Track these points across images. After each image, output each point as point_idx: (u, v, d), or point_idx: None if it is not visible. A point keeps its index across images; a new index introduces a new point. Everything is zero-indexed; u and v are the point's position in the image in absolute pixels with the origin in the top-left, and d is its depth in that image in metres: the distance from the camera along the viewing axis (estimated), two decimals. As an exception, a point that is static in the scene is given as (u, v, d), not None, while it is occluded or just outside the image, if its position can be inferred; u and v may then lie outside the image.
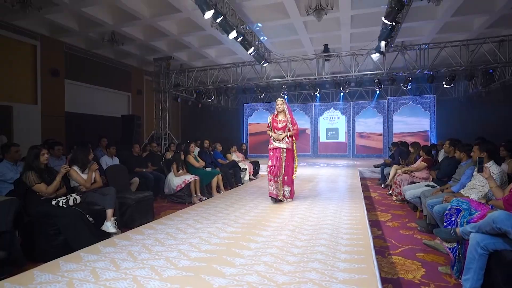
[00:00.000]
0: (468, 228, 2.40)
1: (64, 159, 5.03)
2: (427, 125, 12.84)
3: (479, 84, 10.64)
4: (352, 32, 8.97)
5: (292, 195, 4.94)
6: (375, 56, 8.65)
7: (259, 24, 8.29)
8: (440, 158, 6.12)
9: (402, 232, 3.95)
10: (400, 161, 6.99)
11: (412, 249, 3.35)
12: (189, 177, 5.62)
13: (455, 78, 9.63)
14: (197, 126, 14.45)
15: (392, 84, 10.63)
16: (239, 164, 7.78)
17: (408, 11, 6.41)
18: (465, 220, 2.59)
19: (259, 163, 9.01)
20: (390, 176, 6.43)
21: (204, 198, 5.60)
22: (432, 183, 4.63)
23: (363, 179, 8.57)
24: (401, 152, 7.38)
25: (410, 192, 4.58)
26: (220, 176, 6.26)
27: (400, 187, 5.50)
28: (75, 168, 3.80)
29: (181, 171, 5.75)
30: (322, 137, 14.48)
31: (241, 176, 7.61)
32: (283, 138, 4.73)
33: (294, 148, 4.83)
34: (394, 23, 6.23)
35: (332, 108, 14.40)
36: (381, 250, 3.30)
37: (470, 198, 3.16)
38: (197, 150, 7.13)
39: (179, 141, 10.69)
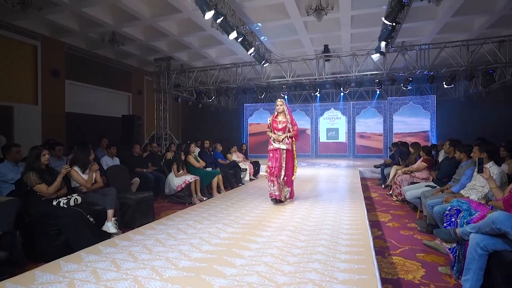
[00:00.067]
0: (468, 228, 2.41)
1: (64, 160, 5.04)
2: (428, 125, 12.84)
3: (479, 85, 10.64)
4: (352, 33, 8.98)
5: (292, 196, 4.95)
6: (375, 57, 8.65)
7: (259, 24, 8.30)
8: (440, 159, 6.12)
9: (402, 233, 3.95)
10: (400, 161, 6.99)
11: (412, 249, 3.36)
12: (189, 178, 5.63)
13: (455, 79, 9.64)
14: (198, 126, 14.46)
15: (393, 84, 10.63)
16: (240, 164, 7.78)
17: (408, 11, 6.41)
18: (465, 220, 2.59)
19: (259, 163, 9.01)
20: (390, 177, 6.44)
21: (204, 199, 5.61)
22: (432, 184, 4.63)
23: (363, 179, 8.57)
24: (401, 152, 7.37)
25: (410, 192, 4.58)
26: (220, 176, 6.26)
27: (400, 187, 5.50)
28: (76, 168, 3.81)
29: (181, 171, 5.76)
30: (322, 137, 14.48)
31: (242, 176, 7.61)
32: (283, 139, 4.71)
33: (294, 149, 4.81)
34: (394, 24, 6.23)
35: (332, 108, 14.40)
36: (381, 251, 3.31)
37: (470, 198, 3.16)
38: (197, 150, 7.13)
39: (179, 141, 10.70)
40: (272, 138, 4.80)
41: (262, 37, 9.18)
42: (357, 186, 6.43)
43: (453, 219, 2.76)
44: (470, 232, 2.36)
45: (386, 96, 13.75)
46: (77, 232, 3.11)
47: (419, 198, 4.31)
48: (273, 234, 3.31)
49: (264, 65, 9.55)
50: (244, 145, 10.03)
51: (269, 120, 4.92)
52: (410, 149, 6.58)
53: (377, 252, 2.97)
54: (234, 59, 11.04)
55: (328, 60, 9.93)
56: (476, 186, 3.35)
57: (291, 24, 8.29)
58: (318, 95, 13.16)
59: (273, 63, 10.06)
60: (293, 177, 4.84)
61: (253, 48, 8.13)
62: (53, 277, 2.29)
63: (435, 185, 4.48)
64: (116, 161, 5.80)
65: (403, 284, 2.60)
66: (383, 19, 6.29)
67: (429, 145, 7.72)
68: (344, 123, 14.13)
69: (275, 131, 4.80)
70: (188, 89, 11.68)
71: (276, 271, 2.38)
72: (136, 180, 5.43)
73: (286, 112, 4.83)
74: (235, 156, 8.36)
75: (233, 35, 6.87)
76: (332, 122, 14.37)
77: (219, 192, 6.14)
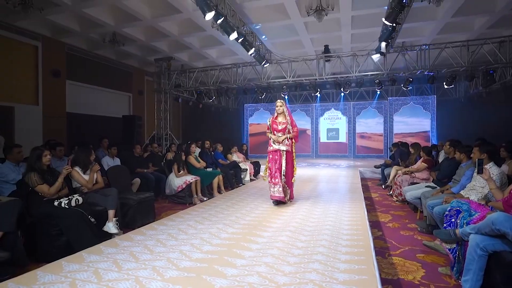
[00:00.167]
0: (468, 229, 2.41)
1: (66, 160, 5.05)
2: (428, 125, 12.84)
3: (479, 85, 10.65)
4: (353, 33, 8.99)
5: (292, 197, 4.95)
6: (376, 57, 8.65)
7: (259, 24, 8.30)
8: (440, 159, 6.13)
9: (402, 233, 3.96)
10: (400, 162, 6.99)
11: (412, 250, 3.37)
12: (190, 178, 5.64)
13: (455, 79, 9.64)
14: (198, 127, 14.48)
15: (393, 84, 10.64)
16: (240, 164, 7.79)
17: (408, 12, 6.41)
18: (465, 221, 2.60)
19: (260, 163, 9.02)
20: (391, 177, 6.44)
21: (205, 199, 5.62)
22: (432, 184, 4.64)
23: (363, 179, 8.58)
24: (401, 152, 7.38)
25: (411, 193, 4.59)
26: (220, 176, 6.27)
27: (401, 188, 5.50)
28: (77, 169, 3.82)
29: (182, 171, 5.77)
30: (323, 138, 14.49)
31: (242, 176, 7.62)
32: (282, 140, 4.68)
33: (293, 150, 4.78)
34: (394, 24, 6.24)
35: (332, 109, 14.41)
36: (381, 251, 3.32)
37: (470, 199, 3.17)
38: (198, 150, 7.15)
39: (180, 142, 10.71)
40: (272, 140, 4.77)
41: (263, 37, 9.18)
42: (357, 187, 6.44)
43: (453, 220, 2.77)
44: (470, 233, 2.37)
45: (387, 96, 13.76)
46: (78, 233, 3.12)
47: (419, 198, 4.31)
48: (273, 235, 3.32)
49: (265, 66, 9.56)
50: (245, 145, 10.03)
51: (269, 121, 4.89)
52: (410, 149, 6.59)
53: (377, 253, 2.98)
54: (235, 60, 11.05)
55: (329, 60, 9.94)
56: (476, 187, 3.36)
57: (292, 25, 8.30)
58: (319, 95, 13.17)
59: (273, 63, 10.07)
60: (292, 180, 4.83)
61: (253, 49, 8.14)
62: (55, 277, 2.30)
63: (435, 185, 4.49)
64: (117, 161, 5.82)
65: (403, 284, 2.61)
66: (383, 19, 6.29)
67: (430, 146, 7.73)
68: (345, 124, 14.14)
69: (275, 132, 4.77)
70: (189, 89, 11.70)
71: (277, 272, 2.40)
72: (137, 180, 5.45)
73: (286, 113, 4.81)
74: (236, 157, 8.37)
75: (234, 35, 6.87)
76: (333, 122, 14.37)
77: (219, 192, 6.15)
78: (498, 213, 2.30)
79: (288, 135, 4.72)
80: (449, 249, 2.70)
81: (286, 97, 12.71)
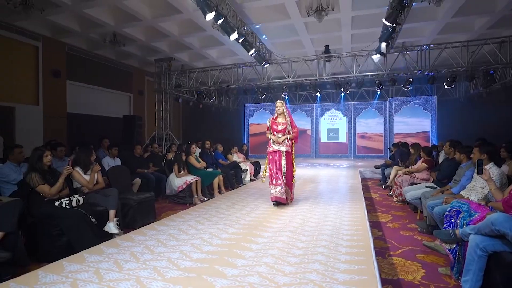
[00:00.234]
0: (468, 229, 2.42)
1: (66, 160, 5.06)
2: (428, 125, 12.84)
3: (480, 85, 10.66)
4: (353, 33, 9.00)
5: (292, 198, 4.94)
6: (376, 57, 8.66)
7: (260, 24, 8.31)
8: (440, 159, 6.13)
9: (403, 233, 3.96)
10: (400, 163, 6.99)
11: (412, 250, 3.37)
12: (190, 178, 5.65)
13: (456, 79, 9.64)
14: (198, 127, 14.48)
15: (393, 85, 10.65)
16: (240, 164, 7.80)
17: (408, 12, 6.42)
18: (465, 221, 2.61)
19: (260, 163, 9.02)
20: (391, 177, 6.45)
21: (205, 199, 5.62)
22: (432, 184, 4.64)
23: (363, 180, 8.58)
24: (401, 153, 7.38)
25: (411, 193, 4.60)
26: (221, 176, 6.27)
27: (401, 188, 5.50)
28: (78, 169, 3.83)
29: (182, 172, 5.78)
30: (323, 138, 14.49)
31: (242, 177, 7.63)
32: (282, 141, 4.65)
33: (293, 151, 4.77)
34: (394, 25, 6.24)
35: (333, 109, 14.41)
36: (382, 251, 3.32)
37: (470, 199, 3.18)
38: (198, 151, 7.15)
39: (180, 142, 10.72)
40: (271, 140, 4.74)
41: (263, 37, 9.18)
42: (357, 187, 6.45)
43: (453, 220, 2.78)
44: (470, 233, 2.37)
45: (387, 96, 13.76)
46: (79, 233, 3.13)
47: (419, 199, 4.32)
48: (274, 235, 3.33)
49: (265, 66, 9.57)
50: (245, 146, 10.04)
51: (269, 122, 4.86)
52: (411, 149, 6.59)
53: (377, 253, 2.99)
54: (235, 60, 11.06)
55: (329, 60, 9.94)
56: (476, 187, 3.37)
57: (292, 25, 8.31)
58: (319, 95, 13.18)
59: (273, 63, 10.08)
60: (293, 181, 4.82)
61: (253, 49, 8.14)
62: (56, 277, 2.31)
63: (435, 186, 4.50)
64: (118, 161, 5.82)
65: (403, 284, 2.61)
66: (383, 20, 6.30)
67: (430, 146, 7.73)
68: (345, 124, 14.14)
69: (275, 132, 4.74)
70: (189, 90, 11.71)
71: (277, 272, 2.40)
72: (137, 180, 5.45)
73: (286, 114, 4.79)
74: (236, 157, 8.37)
75: (234, 36, 6.88)
76: (333, 122, 14.38)
77: (220, 192, 6.15)
78: (498, 213, 2.31)
79: (288, 135, 4.70)
80: (449, 250, 2.71)
81: (287, 97, 12.71)
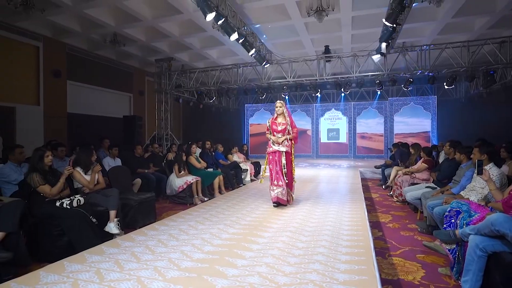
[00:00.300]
0: (467, 230, 2.43)
1: (67, 160, 5.07)
2: (428, 126, 12.84)
3: (480, 85, 10.66)
4: (353, 33, 9.00)
5: (292, 198, 4.94)
6: (376, 57, 8.67)
7: (260, 25, 8.32)
8: (440, 160, 6.14)
9: (403, 233, 3.97)
10: (400, 163, 6.99)
11: (412, 250, 3.38)
12: (190, 178, 5.66)
13: (456, 79, 9.65)
14: (198, 127, 14.49)
15: (393, 85, 10.67)
16: (241, 165, 7.81)
17: (409, 12, 6.43)
18: (465, 222, 2.62)
19: (260, 164, 9.03)
20: (391, 177, 6.45)
21: (206, 199, 5.63)
22: (432, 185, 4.65)
23: (364, 180, 8.59)
24: (401, 153, 7.38)
25: (411, 193, 4.60)
26: (221, 177, 6.28)
27: (401, 188, 5.51)
28: (78, 169, 3.84)
29: (182, 172, 5.79)
30: (323, 138, 14.49)
31: (242, 177, 7.63)
32: (282, 141, 4.64)
33: (292, 152, 4.76)
34: (395, 25, 6.25)
35: (333, 109, 14.42)
36: (382, 251, 3.33)
37: (470, 200, 3.18)
38: (198, 151, 7.16)
39: (180, 142, 10.73)
40: (271, 141, 4.72)
41: (264, 37, 9.19)
42: (357, 187, 6.45)
43: (452, 220, 2.78)
44: (470, 234, 2.38)
45: (387, 96, 13.77)
46: (79, 233, 3.13)
47: (420, 199, 4.33)
48: (274, 235, 3.34)
49: (265, 66, 9.58)
50: (245, 146, 10.05)
51: (268, 122, 4.84)
52: (411, 150, 6.59)
53: (377, 253, 3.00)
54: (235, 60, 11.07)
55: (329, 60, 9.95)
56: (476, 188, 3.37)
57: (292, 25, 8.32)
58: (319, 95, 13.19)
59: (274, 64, 10.09)
60: (294, 182, 4.82)
61: (254, 49, 8.15)
62: (58, 277, 2.32)
63: (436, 186, 4.50)
64: (118, 162, 5.83)
65: (403, 285, 2.62)
66: (383, 20, 6.31)
67: (430, 146, 7.73)
68: (345, 124, 14.15)
69: (275, 133, 4.72)
70: (189, 90, 11.73)
71: (277, 272, 2.41)
72: (138, 180, 5.46)
73: (286, 114, 4.77)
74: (236, 157, 8.38)
75: (234, 36, 6.89)
76: (333, 122, 14.38)
77: (220, 192, 6.15)
78: (498, 214, 2.32)
79: (287, 136, 4.68)
80: (449, 250, 2.71)
81: (287, 97, 12.72)
